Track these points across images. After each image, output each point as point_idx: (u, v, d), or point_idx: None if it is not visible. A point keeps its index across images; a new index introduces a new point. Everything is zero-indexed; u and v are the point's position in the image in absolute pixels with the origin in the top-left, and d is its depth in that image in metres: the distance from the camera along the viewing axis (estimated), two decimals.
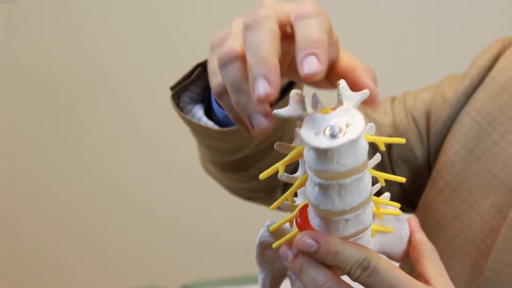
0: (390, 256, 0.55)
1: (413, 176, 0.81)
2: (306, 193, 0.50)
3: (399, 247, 0.53)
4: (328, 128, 0.47)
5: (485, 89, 0.75)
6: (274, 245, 0.52)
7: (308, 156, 0.48)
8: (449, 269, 0.71)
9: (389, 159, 0.80)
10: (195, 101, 0.73)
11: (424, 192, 0.78)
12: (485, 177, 0.72)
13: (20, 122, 1.82)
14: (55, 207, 1.86)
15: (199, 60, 0.70)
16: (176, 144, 1.71)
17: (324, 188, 0.48)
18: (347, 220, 0.49)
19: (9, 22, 1.78)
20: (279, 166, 0.49)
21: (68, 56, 1.79)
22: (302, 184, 0.51)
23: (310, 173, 0.48)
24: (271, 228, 0.52)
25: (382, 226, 0.55)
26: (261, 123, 0.50)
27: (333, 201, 0.48)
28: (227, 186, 0.85)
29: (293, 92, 0.50)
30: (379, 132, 0.81)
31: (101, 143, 1.83)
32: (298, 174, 0.52)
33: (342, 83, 0.49)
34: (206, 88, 0.73)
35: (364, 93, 0.49)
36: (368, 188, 0.49)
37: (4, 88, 1.80)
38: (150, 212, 1.88)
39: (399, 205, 0.52)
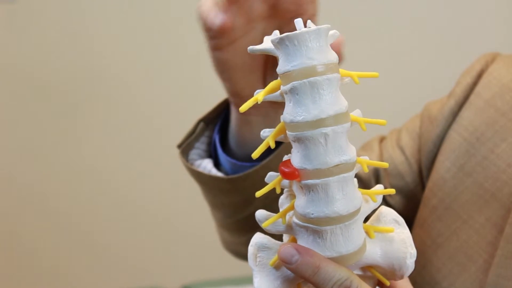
0: (392, 269, 0.52)
1: (408, 203, 0.81)
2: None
3: (402, 251, 0.51)
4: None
5: (470, 106, 0.75)
6: (264, 224, 0.51)
7: (287, 106, 0.48)
8: (449, 285, 0.71)
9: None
10: (202, 158, 0.75)
11: (418, 210, 0.78)
12: (478, 192, 0.72)
13: (19, 122, 1.82)
14: (56, 207, 1.86)
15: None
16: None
17: (310, 142, 0.47)
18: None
19: (9, 22, 1.78)
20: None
21: (67, 56, 1.79)
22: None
23: (289, 132, 0.48)
24: (264, 224, 0.51)
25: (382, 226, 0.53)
26: None
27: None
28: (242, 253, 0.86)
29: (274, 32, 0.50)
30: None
31: (101, 144, 1.83)
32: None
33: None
34: (211, 143, 0.75)
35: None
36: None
37: (3, 88, 1.81)
38: (151, 213, 1.88)
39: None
